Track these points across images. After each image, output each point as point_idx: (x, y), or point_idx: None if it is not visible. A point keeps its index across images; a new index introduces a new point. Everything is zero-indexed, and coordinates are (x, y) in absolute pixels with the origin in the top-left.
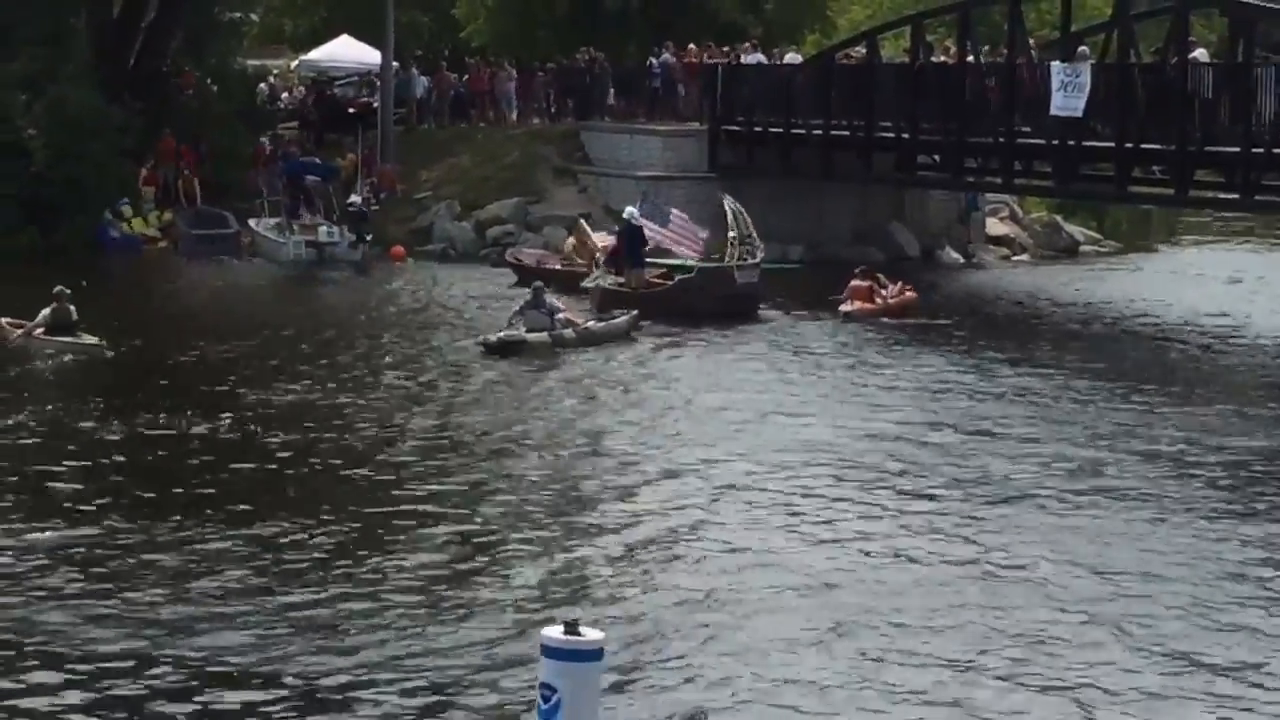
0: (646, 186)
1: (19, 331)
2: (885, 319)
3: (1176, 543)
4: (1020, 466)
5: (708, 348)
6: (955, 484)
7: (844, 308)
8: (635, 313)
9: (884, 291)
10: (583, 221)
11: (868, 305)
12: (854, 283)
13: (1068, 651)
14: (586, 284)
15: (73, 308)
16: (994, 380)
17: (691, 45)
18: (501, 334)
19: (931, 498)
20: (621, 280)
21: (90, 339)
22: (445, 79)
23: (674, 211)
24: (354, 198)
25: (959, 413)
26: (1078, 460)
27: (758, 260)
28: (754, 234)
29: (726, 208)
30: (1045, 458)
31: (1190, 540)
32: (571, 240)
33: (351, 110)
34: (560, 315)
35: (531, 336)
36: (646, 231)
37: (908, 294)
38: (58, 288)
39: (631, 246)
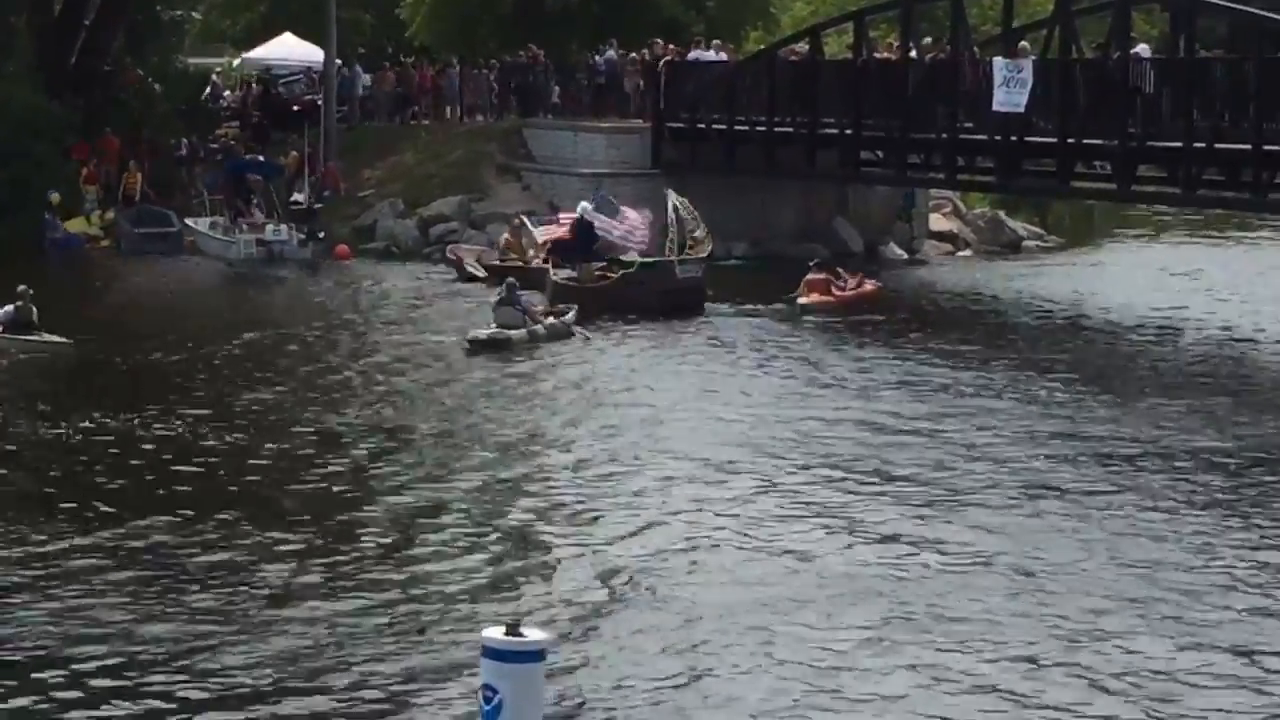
0: (599, 181)
1: None
2: (839, 311)
3: (1182, 535)
4: (971, 465)
5: (652, 343)
6: (909, 480)
7: (801, 300)
8: (574, 308)
9: (840, 284)
10: (523, 218)
11: (824, 298)
12: (810, 276)
13: (1080, 639)
14: (554, 277)
15: (34, 308)
16: (928, 375)
17: (665, 43)
18: (488, 331)
19: (868, 491)
20: (573, 274)
21: (55, 337)
22: (387, 77)
23: (624, 207)
24: (297, 195)
25: (908, 407)
26: (1041, 456)
27: (702, 255)
28: (701, 228)
29: (669, 203)
30: (998, 456)
31: (1198, 531)
32: (506, 236)
33: (296, 108)
34: (536, 309)
35: (513, 333)
36: (596, 226)
37: (866, 286)
38: (21, 287)
39: (583, 240)
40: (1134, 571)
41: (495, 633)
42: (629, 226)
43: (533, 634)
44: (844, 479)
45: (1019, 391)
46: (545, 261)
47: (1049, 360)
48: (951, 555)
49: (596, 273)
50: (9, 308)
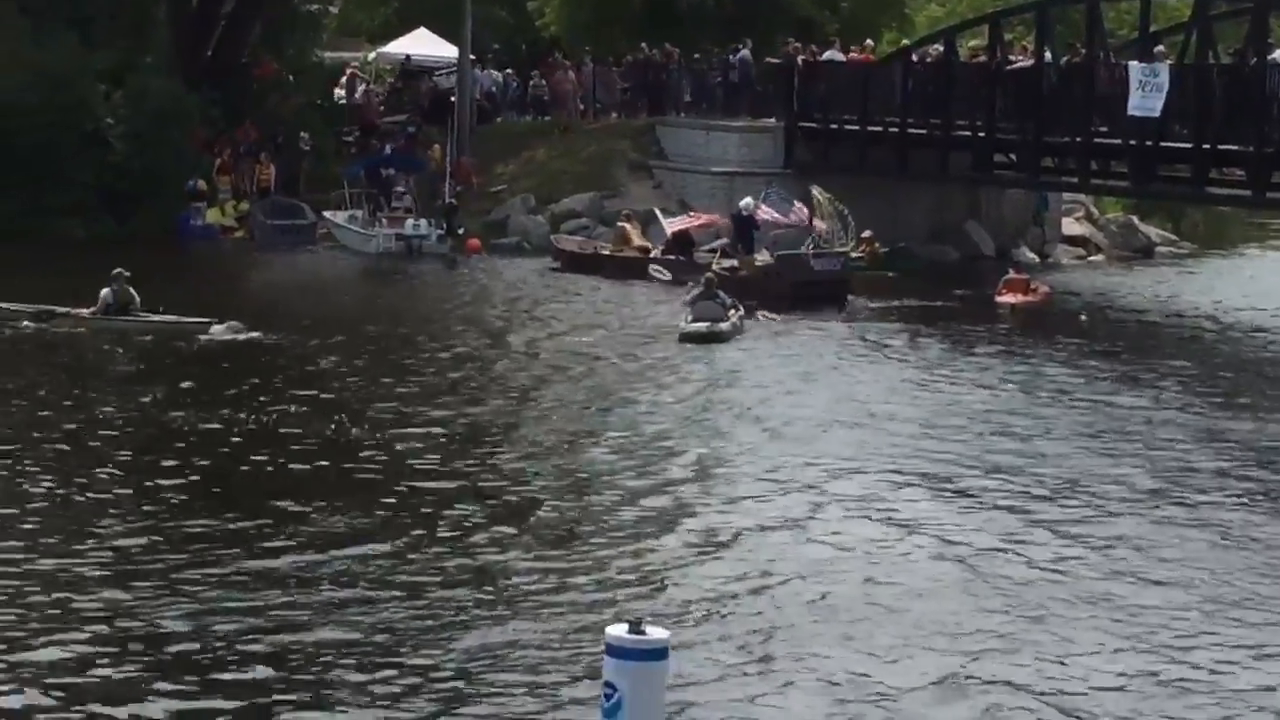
0: (771, 181)
1: (86, 312)
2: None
3: None
4: (1127, 471)
5: (807, 340)
6: (1043, 484)
7: (1000, 299)
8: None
9: (1034, 286)
10: (633, 222)
11: (1024, 298)
12: (1010, 276)
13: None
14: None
15: (132, 289)
16: (1071, 379)
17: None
18: (706, 325)
19: (1011, 496)
20: (735, 265)
21: (188, 318)
22: (522, 75)
23: (795, 203)
24: (445, 191)
25: (1055, 412)
26: (1191, 463)
27: (843, 250)
28: (848, 223)
29: (815, 197)
30: (1152, 460)
31: None
32: (622, 225)
33: (453, 100)
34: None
35: (723, 326)
36: (768, 218)
37: (1044, 289)
38: (116, 269)
39: (743, 234)
40: None
41: (618, 630)
42: (797, 220)
43: (656, 632)
44: (989, 485)
45: (1172, 398)
46: (665, 254)
47: (1201, 367)
48: (1101, 561)
49: (758, 264)
50: (107, 290)
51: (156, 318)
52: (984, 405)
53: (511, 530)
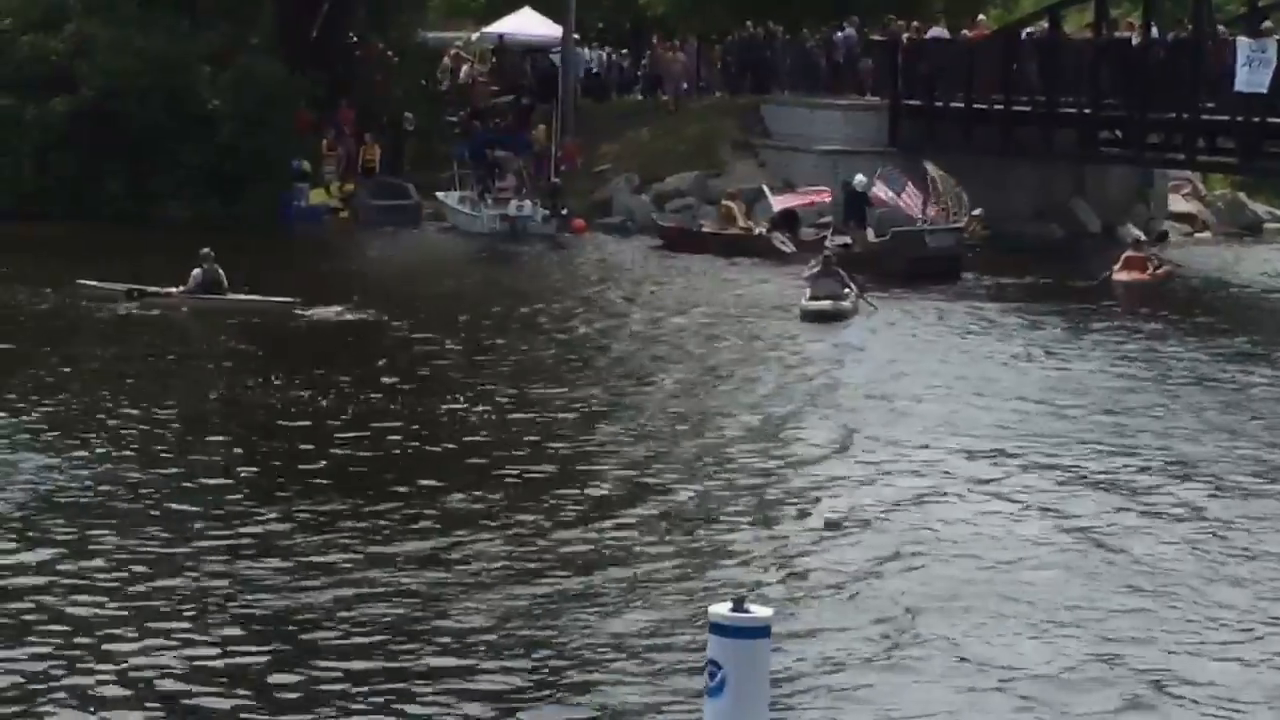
0: (887, 162)
1: (177, 290)
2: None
3: None
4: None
5: (921, 317)
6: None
7: (1117, 276)
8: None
9: (1154, 264)
10: (737, 200)
11: (1141, 275)
12: (1129, 253)
13: None
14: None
15: (220, 269)
16: (1210, 359)
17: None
18: (826, 303)
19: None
20: (848, 242)
21: (275, 298)
22: (629, 54)
23: (910, 183)
24: (551, 171)
25: (1177, 392)
26: None
27: (957, 225)
28: (961, 199)
29: (930, 175)
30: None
31: None
32: (726, 204)
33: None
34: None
35: (839, 305)
36: (883, 196)
37: (1165, 267)
38: (204, 249)
39: (855, 211)
40: None
41: (721, 608)
42: (910, 202)
43: (759, 610)
44: (1115, 466)
45: None
46: (769, 232)
47: None
48: (1230, 541)
49: (872, 241)
50: (197, 270)
51: (243, 297)
52: (1108, 384)
53: (636, 512)
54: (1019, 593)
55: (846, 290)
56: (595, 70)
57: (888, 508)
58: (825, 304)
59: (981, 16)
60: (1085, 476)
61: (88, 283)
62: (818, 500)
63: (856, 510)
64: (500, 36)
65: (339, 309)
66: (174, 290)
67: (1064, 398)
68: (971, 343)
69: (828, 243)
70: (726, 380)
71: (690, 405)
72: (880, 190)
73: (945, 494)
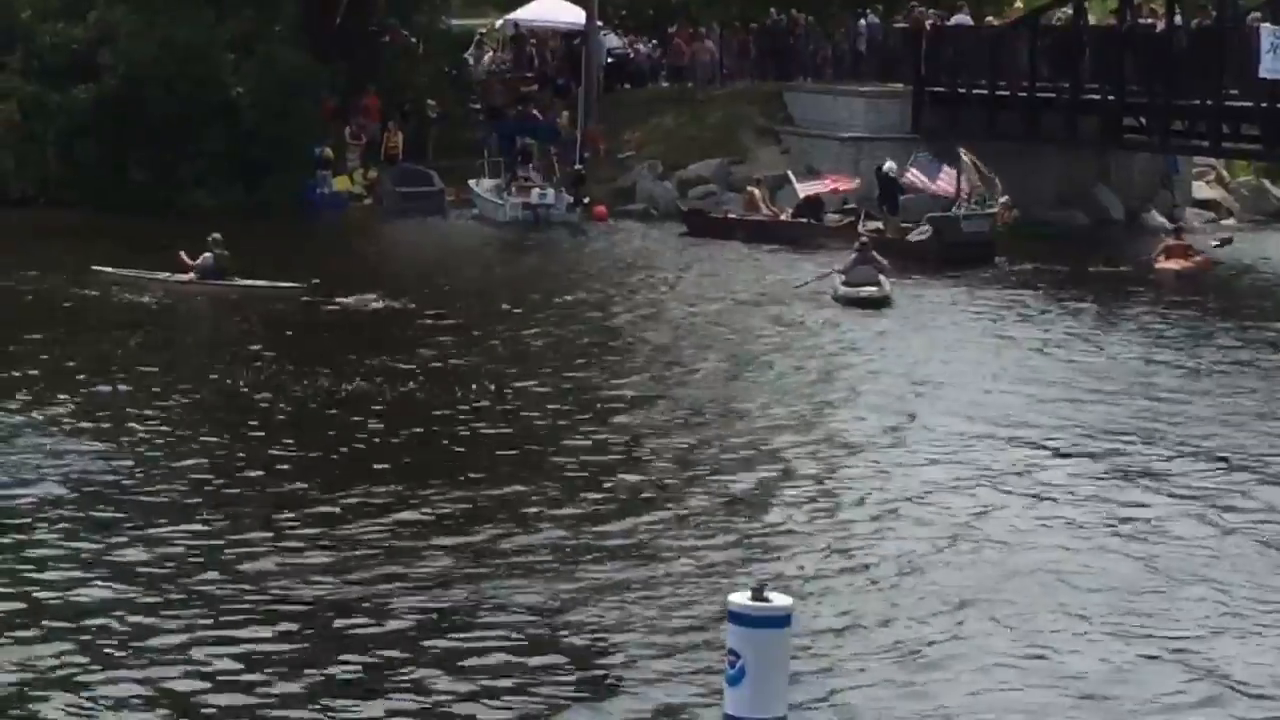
0: (924, 149)
1: (185, 277)
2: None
3: None
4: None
5: (958, 302)
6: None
7: (1158, 264)
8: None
9: (1195, 252)
10: (761, 187)
11: (1184, 263)
12: (1169, 241)
13: None
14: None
15: (227, 253)
16: (1248, 346)
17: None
18: (865, 289)
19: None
20: (879, 228)
21: (281, 283)
22: (652, 40)
23: (944, 169)
24: (575, 159)
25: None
26: None
27: (990, 211)
28: (995, 184)
29: (964, 160)
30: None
31: None
32: (750, 190)
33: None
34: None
35: (878, 291)
36: (918, 183)
37: (1203, 255)
38: (213, 235)
39: (887, 197)
40: None
41: (741, 597)
42: (943, 188)
43: (778, 599)
44: (1157, 455)
45: None
46: (795, 218)
47: None
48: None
49: (904, 227)
50: (207, 255)
51: (250, 282)
52: (1152, 371)
53: (679, 502)
54: (1065, 584)
55: (882, 276)
56: (624, 54)
57: (934, 497)
58: (865, 290)
59: (1019, 4)
60: (1134, 466)
61: (105, 269)
62: (863, 490)
63: (901, 500)
64: (515, 25)
65: (373, 297)
66: (183, 276)
67: (1109, 384)
68: (1012, 328)
69: (861, 229)
70: (769, 368)
71: (734, 392)
72: (915, 176)
73: (991, 484)
